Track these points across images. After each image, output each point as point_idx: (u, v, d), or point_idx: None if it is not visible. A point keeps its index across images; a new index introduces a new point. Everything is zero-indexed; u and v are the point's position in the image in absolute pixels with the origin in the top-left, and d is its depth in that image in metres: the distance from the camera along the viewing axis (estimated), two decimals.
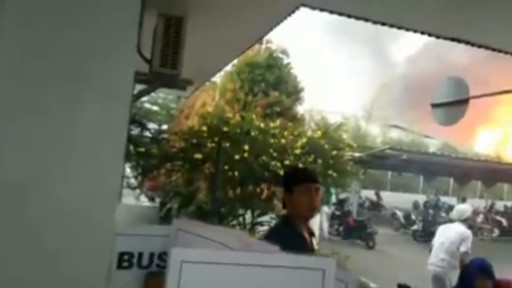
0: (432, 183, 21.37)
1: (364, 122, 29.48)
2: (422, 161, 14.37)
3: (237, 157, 7.23)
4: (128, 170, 7.78)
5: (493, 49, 3.11)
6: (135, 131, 7.87)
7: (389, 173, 25.47)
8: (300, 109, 13.65)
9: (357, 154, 12.96)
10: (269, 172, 8.30)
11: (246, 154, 7.36)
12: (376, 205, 20.98)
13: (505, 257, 12.98)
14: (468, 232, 5.86)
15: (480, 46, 3.08)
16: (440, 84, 4.58)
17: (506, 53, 3.21)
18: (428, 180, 21.03)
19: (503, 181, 21.11)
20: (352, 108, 31.28)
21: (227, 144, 7.26)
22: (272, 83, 12.57)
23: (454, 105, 4.29)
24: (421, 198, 21.82)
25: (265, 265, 1.24)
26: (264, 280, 1.22)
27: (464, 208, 6.61)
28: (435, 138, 35.42)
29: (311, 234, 2.14)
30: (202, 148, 7.27)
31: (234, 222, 7.09)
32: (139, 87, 3.67)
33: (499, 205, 22.88)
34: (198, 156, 7.26)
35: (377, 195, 21.69)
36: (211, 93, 12.44)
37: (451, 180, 27.69)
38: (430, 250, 6.31)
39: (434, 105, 4.55)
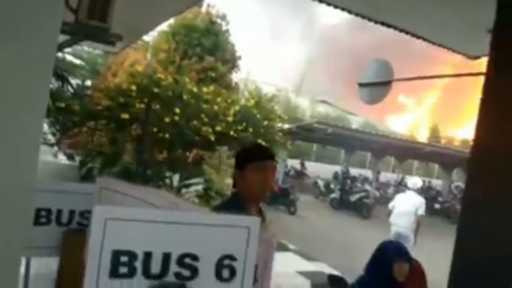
0: (351, 156, 22.92)
1: (294, 96, 30.28)
2: (345, 136, 15.25)
3: (167, 119, 7.10)
4: (45, 126, 7.27)
5: (413, 35, 3.35)
6: (55, 85, 7.33)
7: (314, 145, 26.72)
8: (235, 77, 13.60)
9: (286, 126, 13.40)
10: (200, 137, 8.32)
11: (177, 118, 7.26)
12: (300, 174, 21.96)
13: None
14: (423, 200, 7.28)
15: (401, 31, 3.30)
16: (367, 65, 4.82)
17: (425, 40, 3.49)
18: (349, 153, 22.47)
19: (414, 158, 23.27)
20: (283, 81, 31.84)
21: (157, 106, 7.09)
22: (208, 48, 12.28)
23: (379, 86, 4.57)
24: (341, 169, 23.32)
25: (191, 223, 1.28)
26: (190, 238, 1.26)
27: (417, 180, 7.72)
28: (358, 115, 37.62)
29: (262, 216, 1.87)
30: (130, 108, 7.02)
31: (161, 184, 7.04)
32: (62, 38, 3.41)
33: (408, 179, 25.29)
34: (125, 116, 7.00)
35: (302, 164, 22.68)
36: (143, 53, 11.86)
37: (369, 155, 29.87)
38: (388, 214, 7.32)
39: (361, 85, 4.80)
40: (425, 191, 21.05)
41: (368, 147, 17.98)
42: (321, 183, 17.15)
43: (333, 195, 15.55)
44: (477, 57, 3.64)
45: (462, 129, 39.10)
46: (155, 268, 1.26)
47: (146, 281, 1.24)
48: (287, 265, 6.78)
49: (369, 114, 41.93)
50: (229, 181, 7.80)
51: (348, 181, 16.44)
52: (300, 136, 15.73)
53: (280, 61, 49.48)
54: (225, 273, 1.29)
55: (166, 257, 1.27)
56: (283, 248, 7.62)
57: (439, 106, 48.04)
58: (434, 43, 3.68)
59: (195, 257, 1.29)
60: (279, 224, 10.36)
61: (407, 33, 3.38)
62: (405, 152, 18.31)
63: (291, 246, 7.87)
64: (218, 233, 1.30)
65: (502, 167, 1.92)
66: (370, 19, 3.12)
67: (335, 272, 6.79)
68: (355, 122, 32.02)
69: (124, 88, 7.45)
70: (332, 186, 16.98)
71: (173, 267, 1.28)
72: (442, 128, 40.30)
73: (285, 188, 13.01)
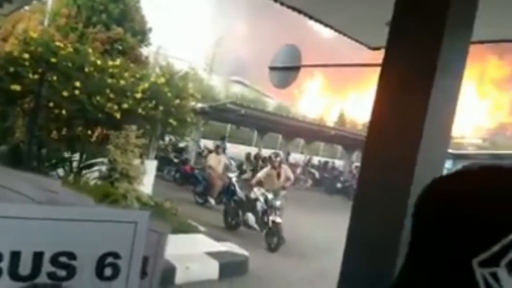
0: (264, 137, 23.53)
1: (207, 74, 29.88)
2: (258, 117, 15.51)
3: (65, 93, 6.47)
4: None
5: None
6: None
7: (228, 125, 26.86)
8: (146, 51, 12.87)
9: (200, 105, 13.18)
10: (104, 115, 7.76)
11: (77, 92, 6.65)
12: None
13: (316, 202, 15.51)
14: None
15: (310, 17, 3.34)
16: (277, 50, 4.85)
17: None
18: (261, 134, 23.02)
19: (321, 140, 24.67)
20: (197, 58, 31.15)
21: (54, 78, 6.40)
22: (115, 17, 11.38)
23: (288, 70, 4.61)
24: (253, 150, 23.82)
25: (69, 219, 1.12)
26: (67, 235, 1.10)
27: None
28: (273, 98, 38.56)
29: None
30: (22, 79, 6.24)
31: (58, 165, 6.45)
32: None
33: (315, 160, 26.75)
34: (15, 87, 6.22)
35: (218, 145, 22.68)
36: (38, 17, 10.58)
37: (280, 136, 30.95)
38: None
39: (271, 68, 4.81)
40: (329, 171, 22.55)
41: (279, 129, 18.56)
42: (233, 163, 17.32)
43: (245, 176, 15.82)
44: (377, 48, 3.85)
45: (366, 115, 42.36)
46: (24, 269, 1.09)
47: (13, 283, 1.06)
48: (196, 247, 6.73)
49: (283, 97, 43.34)
50: (137, 162, 7.47)
51: (260, 162, 16.85)
52: (214, 117, 15.62)
53: (194, 37, 48.15)
54: (107, 271, 1.17)
55: (38, 257, 1.10)
56: (193, 230, 7.55)
57: (347, 92, 51.39)
58: (339, 32, 3.80)
59: (72, 256, 1.14)
60: (190, 205, 10.26)
61: (315, 20, 3.43)
62: (313, 134, 19.29)
63: (201, 228, 7.82)
64: (100, 229, 1.16)
65: (393, 153, 2.06)
66: (277, 1, 3.10)
67: (243, 252, 6.97)
68: (270, 105, 32.82)
69: (15, 56, 6.60)
70: (244, 167, 17.26)
71: (46, 267, 1.12)
72: (349, 113, 43.17)
73: (198, 169, 12.89)
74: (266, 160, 19.57)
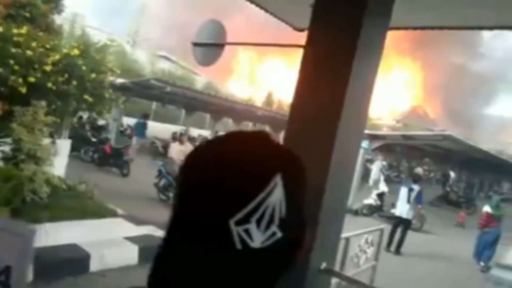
0: (192, 116, 23.01)
1: (130, 48, 28.29)
2: (184, 95, 15.04)
3: None
4: None
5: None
6: None
7: (154, 103, 25.82)
8: (59, 19, 11.65)
9: (120, 81, 12.37)
10: (7, 88, 6.94)
11: None
12: None
13: None
14: None
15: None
16: (201, 25, 4.59)
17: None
18: (189, 113, 22.48)
19: (249, 120, 24.78)
20: (119, 29, 29.21)
21: None
22: None
23: (212, 47, 4.41)
24: (181, 130, 23.22)
25: None
26: None
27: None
28: (202, 75, 37.80)
29: None
30: None
31: None
32: None
33: None
34: None
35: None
36: None
37: (208, 116, 30.61)
38: None
39: (195, 44, 4.56)
40: None
41: (207, 108, 18.26)
42: (159, 143, 16.73)
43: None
44: (302, 30, 3.81)
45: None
46: None
47: None
48: (114, 232, 6.38)
49: (212, 75, 42.62)
50: (46, 141, 6.79)
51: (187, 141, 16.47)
52: (137, 93, 14.83)
53: (116, 6, 44.98)
54: None
55: None
56: (110, 214, 7.14)
57: (277, 72, 52.13)
58: (266, 11, 3.69)
59: None
60: (109, 187, 9.71)
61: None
62: (241, 114, 19.30)
63: (119, 211, 7.42)
64: None
65: (313, 133, 2.08)
66: None
67: (163, 232, 6.75)
68: (199, 82, 32.13)
69: None
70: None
71: None
72: (277, 93, 43.88)
73: (119, 148, 12.21)
74: (194, 140, 19.26)
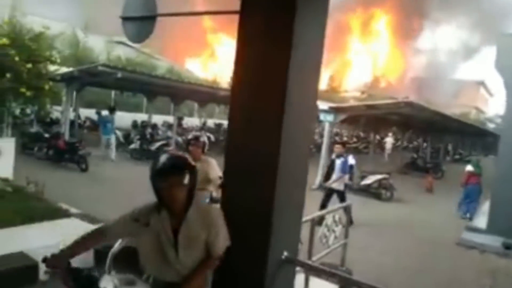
0: (154, 103, 22.13)
1: (83, 34, 26.76)
2: (142, 81, 14.32)
3: None
4: None
5: None
6: None
7: (113, 92, 24.72)
8: None
9: (65, 70, 11.54)
10: None
11: None
12: (97, 125, 20.12)
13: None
14: None
15: None
16: None
17: None
18: (150, 100, 21.62)
19: (213, 102, 24.14)
20: (70, 15, 27.47)
21: None
22: None
23: (142, 21, 3.92)
24: (143, 118, 22.36)
25: None
26: None
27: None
28: (162, 60, 36.56)
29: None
30: None
31: None
32: None
33: (210, 122, 26.35)
34: None
35: (99, 114, 20.75)
36: None
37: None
38: None
39: (124, 18, 4.06)
40: (223, 133, 22.38)
41: (169, 93, 17.55)
42: (119, 133, 15.97)
43: (132, 146, 14.73)
44: None
45: None
46: None
47: None
48: (67, 233, 5.87)
49: (175, 59, 41.32)
50: None
51: (149, 129, 15.81)
52: (86, 82, 13.91)
53: None
54: None
55: None
56: (62, 214, 6.60)
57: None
58: None
59: None
60: (64, 185, 9.10)
61: None
62: (206, 97, 18.68)
63: (73, 210, 6.89)
64: None
65: (260, 109, 1.94)
66: None
67: None
68: (161, 68, 30.96)
69: None
70: (132, 136, 16.07)
71: None
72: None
73: (73, 143, 11.47)
74: (156, 128, 18.60)
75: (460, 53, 60.59)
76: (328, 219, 5.19)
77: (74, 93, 15.72)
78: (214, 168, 4.87)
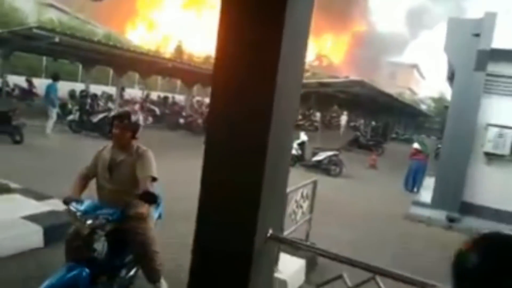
0: (92, 72, 20.62)
1: None
2: (78, 47, 13.13)
3: None
4: None
5: None
6: None
7: (44, 58, 22.61)
8: None
9: None
10: None
11: None
12: (28, 94, 18.35)
13: (160, 141, 14.46)
14: None
15: None
16: None
17: None
18: (88, 68, 20.10)
19: (157, 74, 23.07)
20: None
21: None
22: None
23: None
24: (79, 87, 20.75)
25: None
26: None
27: None
28: (99, 27, 34.08)
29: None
30: None
31: None
32: None
33: (154, 95, 25.22)
34: None
35: (29, 82, 18.91)
36: None
37: (111, 70, 27.98)
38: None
39: None
40: (169, 107, 21.59)
41: (109, 62, 16.36)
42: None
43: (71, 117, 13.60)
44: None
45: (204, 46, 41.69)
46: None
47: None
48: (9, 212, 5.24)
49: (112, 26, 38.63)
50: None
51: (88, 100, 14.67)
52: (17, 46, 12.45)
53: None
54: None
55: None
56: (3, 190, 5.89)
57: (185, 22, 49.29)
58: None
59: None
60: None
61: None
62: (149, 67, 17.70)
63: (14, 185, 6.18)
64: None
65: (247, 92, 1.84)
66: None
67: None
68: (97, 35, 28.81)
69: None
70: (70, 106, 14.84)
71: None
72: (186, 45, 41.68)
73: (4, 112, 10.28)
74: (96, 98, 17.37)
75: (399, 37, 63.73)
76: (297, 195, 5.13)
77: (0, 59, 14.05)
78: (147, 163, 3.28)
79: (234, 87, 1.92)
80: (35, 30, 10.33)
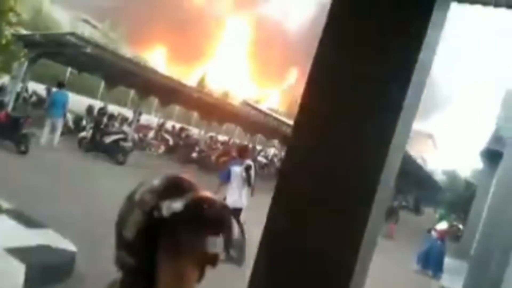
0: (113, 90, 20.15)
1: (49, 3, 24.35)
2: (107, 62, 12.70)
3: None
4: None
5: None
6: None
7: (69, 69, 22.42)
8: None
9: (25, 32, 9.77)
10: None
11: None
12: (43, 103, 17.90)
13: (161, 170, 13.55)
14: None
15: None
16: None
17: None
18: (110, 86, 19.67)
19: (180, 103, 22.60)
20: None
21: None
22: None
23: None
24: (97, 104, 20.28)
25: None
26: None
27: None
28: (127, 49, 34.36)
29: None
30: None
31: None
32: None
33: (169, 124, 24.65)
34: None
35: (48, 90, 18.51)
36: None
37: (132, 92, 27.67)
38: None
39: None
40: (184, 138, 20.93)
41: (133, 83, 15.92)
42: (69, 117, 14.06)
43: (83, 134, 12.94)
44: None
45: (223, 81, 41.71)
46: None
47: None
48: None
49: (143, 50, 38.94)
50: None
51: (105, 119, 14.01)
52: (47, 51, 12.02)
53: None
54: None
55: None
56: None
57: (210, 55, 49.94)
58: None
59: None
60: None
61: None
62: (172, 94, 17.21)
63: (6, 206, 5.33)
64: None
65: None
66: None
67: (69, 246, 4.90)
68: (124, 54, 28.90)
69: None
70: (84, 122, 14.23)
71: None
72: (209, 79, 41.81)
73: (17, 118, 9.63)
74: (113, 118, 16.79)
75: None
76: None
77: (26, 62, 13.65)
78: None
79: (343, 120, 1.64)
80: (68, 37, 9.92)
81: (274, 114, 15.81)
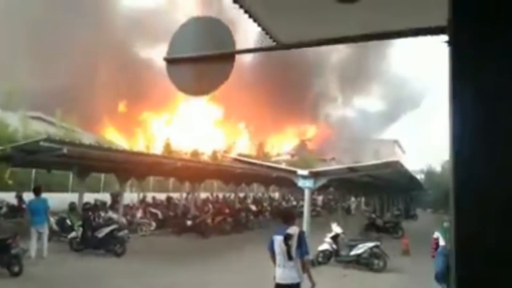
0: (85, 180, 19.24)
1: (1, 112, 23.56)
2: (81, 156, 12.17)
3: None
4: None
5: None
6: None
7: (34, 170, 21.40)
8: None
9: None
10: None
11: None
12: (17, 211, 16.81)
13: (165, 250, 12.86)
14: None
15: None
16: (182, 28, 2.91)
17: None
18: (82, 176, 18.80)
19: (154, 174, 21.96)
20: None
21: None
22: None
23: (215, 61, 2.64)
24: (71, 198, 19.20)
25: None
26: None
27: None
28: (86, 134, 33.54)
29: None
30: None
31: None
32: None
33: (149, 197, 23.80)
34: None
35: (19, 198, 17.47)
36: None
37: (103, 176, 26.68)
38: None
39: (173, 61, 2.75)
40: (172, 208, 20.10)
41: (111, 168, 15.33)
42: (52, 219, 13.12)
43: (73, 234, 12.07)
44: (288, 47, 2.34)
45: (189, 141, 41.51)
46: None
47: None
48: None
49: (95, 131, 38.12)
50: None
51: (90, 213, 13.14)
52: (19, 162, 11.40)
53: None
54: None
55: None
56: None
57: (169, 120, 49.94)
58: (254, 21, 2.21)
59: None
60: None
61: None
62: (149, 169, 16.68)
63: None
64: None
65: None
66: None
67: None
68: (87, 140, 28.08)
69: None
70: (68, 222, 13.34)
71: None
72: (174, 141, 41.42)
73: (3, 240, 8.79)
74: (99, 208, 15.92)
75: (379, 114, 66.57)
76: None
77: None
78: None
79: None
80: (42, 143, 9.38)
81: (265, 163, 15.66)
